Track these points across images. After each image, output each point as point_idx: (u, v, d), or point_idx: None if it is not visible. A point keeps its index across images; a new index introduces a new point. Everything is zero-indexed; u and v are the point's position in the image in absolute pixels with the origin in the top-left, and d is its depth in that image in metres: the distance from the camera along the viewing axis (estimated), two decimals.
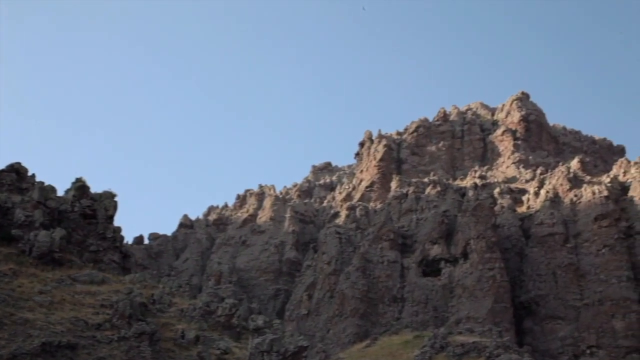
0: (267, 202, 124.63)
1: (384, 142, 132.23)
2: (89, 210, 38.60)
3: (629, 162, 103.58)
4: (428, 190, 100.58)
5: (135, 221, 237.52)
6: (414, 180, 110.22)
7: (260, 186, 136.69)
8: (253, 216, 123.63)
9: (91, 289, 32.05)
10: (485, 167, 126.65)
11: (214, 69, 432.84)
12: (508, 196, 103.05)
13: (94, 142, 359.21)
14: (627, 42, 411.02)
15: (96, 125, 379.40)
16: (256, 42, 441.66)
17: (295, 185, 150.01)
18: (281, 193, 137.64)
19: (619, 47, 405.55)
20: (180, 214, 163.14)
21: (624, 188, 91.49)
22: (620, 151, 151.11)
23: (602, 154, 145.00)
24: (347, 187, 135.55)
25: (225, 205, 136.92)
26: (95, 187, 43.86)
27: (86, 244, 37.51)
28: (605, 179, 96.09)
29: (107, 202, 39.97)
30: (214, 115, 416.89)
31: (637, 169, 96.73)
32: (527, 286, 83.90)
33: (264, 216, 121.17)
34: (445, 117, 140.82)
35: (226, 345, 30.20)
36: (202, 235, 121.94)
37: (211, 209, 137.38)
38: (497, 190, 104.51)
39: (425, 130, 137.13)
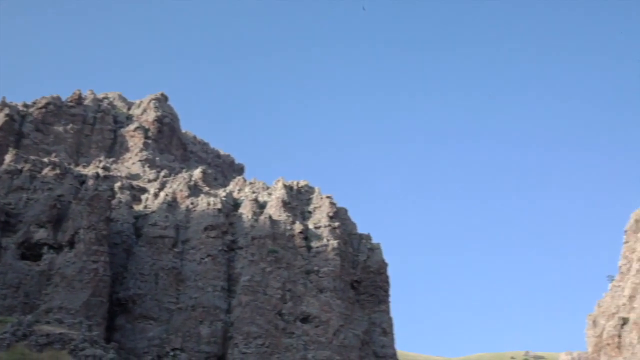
0: None
1: (6, 110, 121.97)
2: None
3: (245, 180, 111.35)
4: (46, 171, 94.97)
5: None
6: (32, 157, 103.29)
7: None
8: None
9: None
10: (111, 160, 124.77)
11: None
12: (128, 192, 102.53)
13: None
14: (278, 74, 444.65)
15: None
16: None
17: None
18: None
19: (272, 75, 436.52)
20: None
21: (236, 204, 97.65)
22: (240, 169, 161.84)
23: (223, 169, 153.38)
24: None
25: None
26: None
27: None
28: (222, 192, 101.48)
29: None
30: None
31: (250, 188, 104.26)
32: (128, 284, 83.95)
33: None
34: (79, 99, 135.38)
35: None
36: None
37: None
38: (118, 184, 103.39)
39: (55, 109, 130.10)
